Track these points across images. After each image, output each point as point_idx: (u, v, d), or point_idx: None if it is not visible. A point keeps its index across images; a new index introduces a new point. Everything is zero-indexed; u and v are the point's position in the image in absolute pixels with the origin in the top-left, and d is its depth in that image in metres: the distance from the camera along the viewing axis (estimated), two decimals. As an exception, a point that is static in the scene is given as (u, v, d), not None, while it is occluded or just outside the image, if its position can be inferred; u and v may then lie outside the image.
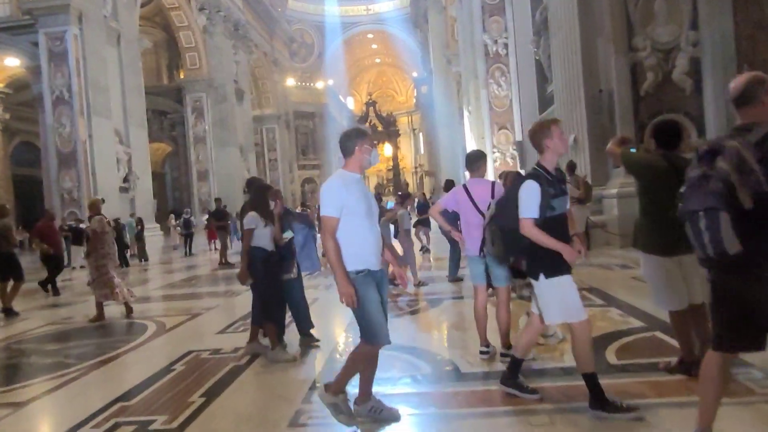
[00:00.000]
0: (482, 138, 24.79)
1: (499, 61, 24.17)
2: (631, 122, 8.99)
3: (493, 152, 24.48)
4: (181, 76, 37.25)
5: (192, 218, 19.83)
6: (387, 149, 67.05)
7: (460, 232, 4.44)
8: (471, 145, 28.18)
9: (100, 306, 7.07)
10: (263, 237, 4.85)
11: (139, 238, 16.58)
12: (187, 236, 18.63)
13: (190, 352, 5.15)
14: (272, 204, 5.02)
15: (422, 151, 66.85)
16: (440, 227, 5.10)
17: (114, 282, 7.11)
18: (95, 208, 7.79)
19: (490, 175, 24.40)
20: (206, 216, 20.43)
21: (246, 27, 40.44)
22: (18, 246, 10.16)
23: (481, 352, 4.43)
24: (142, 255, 16.04)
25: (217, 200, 13.87)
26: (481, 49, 24.26)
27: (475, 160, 4.59)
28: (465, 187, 4.42)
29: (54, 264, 10.09)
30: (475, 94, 25.13)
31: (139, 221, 17.20)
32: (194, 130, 35.56)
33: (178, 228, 26.19)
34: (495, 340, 4.45)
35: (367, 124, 57.08)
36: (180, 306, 7.63)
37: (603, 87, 9.30)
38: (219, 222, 13.12)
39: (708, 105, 8.68)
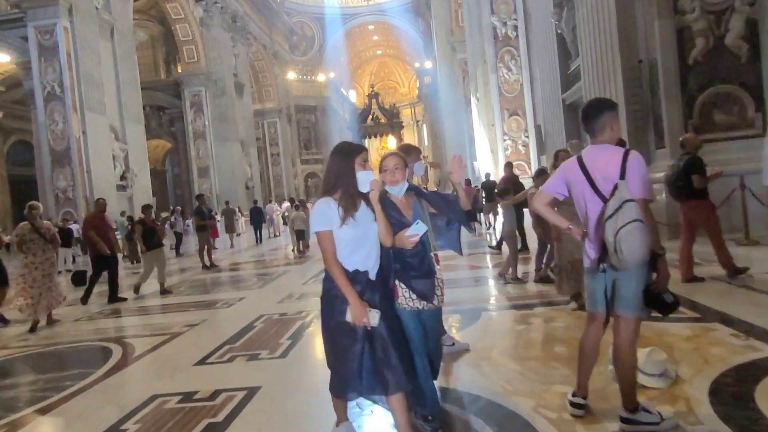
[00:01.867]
0: (492, 125, 23.79)
1: (508, 44, 23.15)
2: (677, 96, 7.90)
3: (504, 140, 23.48)
4: (179, 71, 36.27)
5: (179, 217, 18.93)
6: (391, 141, 66.07)
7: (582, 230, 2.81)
8: (480, 134, 27.18)
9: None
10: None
11: (130, 238, 15.57)
12: (177, 235, 17.75)
13: (154, 398, 3.67)
14: None
15: (426, 143, 65.83)
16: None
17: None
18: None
19: (501, 164, 23.37)
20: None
21: (244, 19, 39.41)
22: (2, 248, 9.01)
23: (574, 405, 2.87)
24: (134, 257, 15.05)
25: (199, 197, 12.82)
26: (490, 32, 23.23)
27: (596, 114, 2.76)
28: (580, 160, 2.77)
29: (111, 265, 8.19)
30: (484, 79, 24.11)
31: (130, 220, 16.14)
32: (194, 125, 34.63)
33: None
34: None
35: (370, 116, 55.99)
36: (158, 322, 6.38)
37: (643, 57, 8.26)
38: (201, 222, 12.00)
39: (767, 73, 7.62)
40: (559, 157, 4.64)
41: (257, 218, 20.11)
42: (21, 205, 29.75)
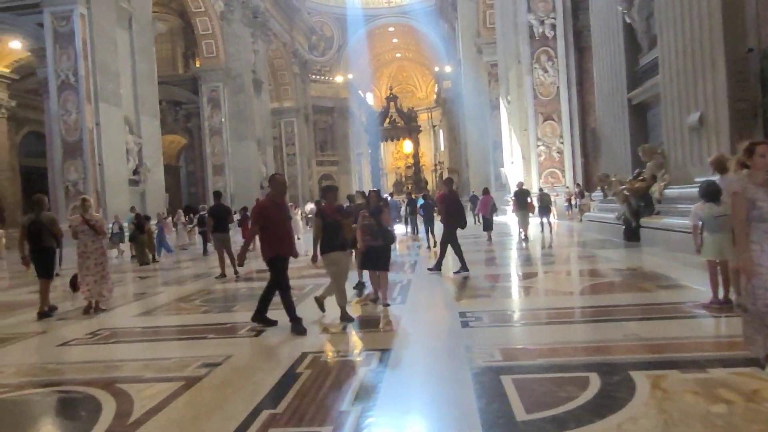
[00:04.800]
0: (525, 130, 22.51)
1: (545, 44, 21.92)
2: (798, 92, 6.61)
3: (538, 145, 22.20)
4: (197, 65, 35.32)
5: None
6: (407, 145, 64.89)
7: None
8: (508, 139, 25.92)
9: None
10: None
11: (134, 238, 14.35)
12: (203, 234, 16.48)
13: None
14: None
15: (443, 148, 64.56)
16: None
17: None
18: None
19: (534, 171, 22.08)
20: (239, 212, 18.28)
21: (265, 15, 38.46)
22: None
23: None
24: (142, 257, 13.83)
25: (217, 194, 11.41)
26: (526, 30, 22.02)
27: None
28: None
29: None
30: (517, 81, 22.85)
31: (138, 218, 14.85)
32: (210, 121, 33.60)
33: (189, 225, 24.26)
34: None
35: (387, 119, 54.90)
36: (168, 356, 4.84)
37: (754, 45, 6.96)
38: (217, 223, 10.51)
39: None
40: (756, 152, 3.33)
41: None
42: (32, 196, 28.99)
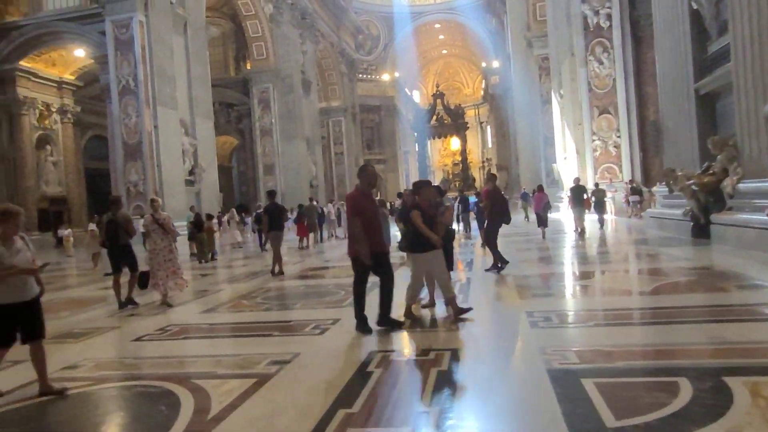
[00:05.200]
0: (579, 125, 21.87)
1: (600, 35, 21.21)
2: None
3: (593, 140, 21.51)
4: (248, 67, 36.12)
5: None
6: (454, 143, 64.28)
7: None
8: (561, 134, 25.27)
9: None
10: None
11: (193, 236, 14.77)
12: (260, 232, 16.82)
13: None
14: None
15: (490, 145, 63.65)
16: None
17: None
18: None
19: (589, 167, 21.44)
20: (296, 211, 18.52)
21: (313, 16, 38.91)
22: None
23: None
24: (202, 255, 14.22)
25: (271, 193, 11.53)
26: (580, 22, 21.38)
27: None
28: None
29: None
30: (571, 74, 22.21)
31: (197, 216, 15.28)
32: (261, 122, 34.33)
33: (243, 224, 24.77)
34: None
35: (434, 116, 54.57)
36: (237, 352, 4.90)
37: None
38: (272, 221, 10.63)
39: None
40: None
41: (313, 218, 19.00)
42: (96, 197, 30.33)
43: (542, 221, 14.53)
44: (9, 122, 27.46)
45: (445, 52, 64.14)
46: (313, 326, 5.69)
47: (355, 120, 47.75)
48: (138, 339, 5.63)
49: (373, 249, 5.33)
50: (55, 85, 29.88)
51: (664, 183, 12.71)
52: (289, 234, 18.61)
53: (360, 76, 50.13)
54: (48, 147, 29.26)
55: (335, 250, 16.07)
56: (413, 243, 5.66)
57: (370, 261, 5.30)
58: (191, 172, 25.35)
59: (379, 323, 5.39)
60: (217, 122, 30.28)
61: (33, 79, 28.22)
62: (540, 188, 16.24)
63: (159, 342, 5.55)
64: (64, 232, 23.23)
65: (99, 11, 23.83)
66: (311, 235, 17.40)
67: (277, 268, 10.25)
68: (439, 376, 3.95)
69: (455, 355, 4.40)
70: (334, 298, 7.40)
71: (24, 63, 27.37)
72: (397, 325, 5.34)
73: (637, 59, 20.79)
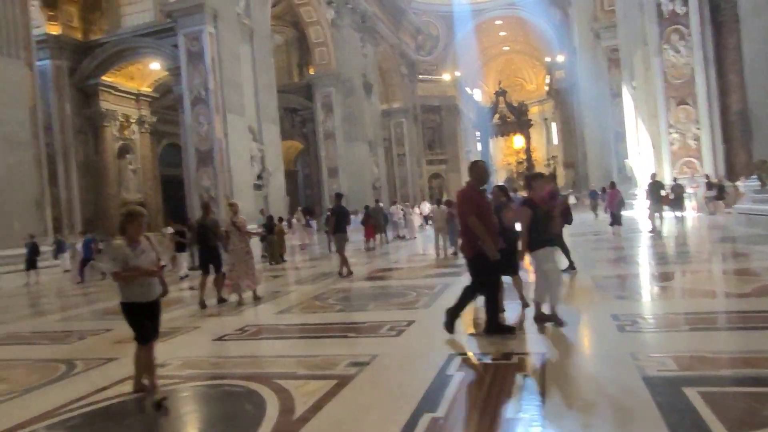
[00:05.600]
0: (654, 117, 20.77)
1: (676, 22, 20.09)
2: None
3: (670, 132, 20.38)
4: (311, 72, 36.86)
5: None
6: (517, 141, 62.90)
7: None
8: (633, 128, 24.15)
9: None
10: None
11: (264, 238, 15.21)
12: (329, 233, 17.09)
13: None
14: None
15: (556, 142, 61.79)
16: None
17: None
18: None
19: (666, 161, 20.38)
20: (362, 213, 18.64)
21: (373, 19, 39.21)
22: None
23: None
24: (273, 257, 14.58)
25: (339, 195, 11.60)
26: (653, 8, 20.33)
27: None
28: None
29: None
30: (644, 65, 21.14)
31: (269, 219, 15.76)
32: (324, 126, 34.93)
33: (308, 226, 25.22)
34: None
35: (497, 115, 53.60)
36: (316, 353, 4.89)
37: None
38: (338, 223, 10.67)
39: None
40: None
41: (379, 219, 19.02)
42: (171, 202, 31.79)
43: (616, 219, 13.88)
44: (94, 134, 29.32)
45: (506, 48, 62.91)
46: (388, 328, 5.65)
47: (416, 121, 47.68)
48: (219, 339, 5.80)
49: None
50: (134, 97, 31.65)
51: (754, 176, 11.81)
52: (355, 235, 18.77)
53: (420, 76, 49.99)
54: (128, 156, 31.02)
55: (401, 251, 16.06)
56: (532, 240, 5.22)
57: (497, 255, 4.91)
58: (259, 177, 26.13)
59: (490, 331, 5.02)
60: (282, 127, 31.04)
61: (114, 92, 29.99)
62: (612, 185, 15.52)
63: (239, 342, 5.69)
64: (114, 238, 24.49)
65: (172, 26, 25.00)
66: (377, 236, 17.46)
67: (345, 270, 10.33)
68: (525, 382, 3.80)
69: (540, 360, 4.23)
70: (406, 300, 7.35)
71: (106, 78, 29.15)
72: (508, 332, 5.02)
73: (718, 46, 19.51)
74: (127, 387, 4.22)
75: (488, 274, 5.03)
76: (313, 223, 27.16)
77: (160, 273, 4.12)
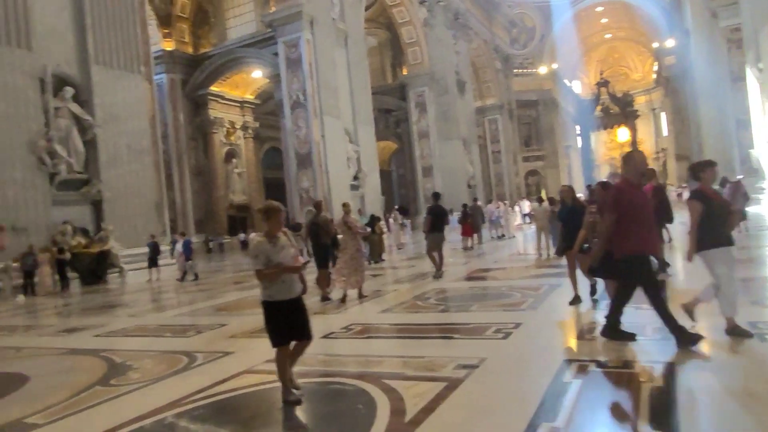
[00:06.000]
0: (786, 101, 18.60)
1: (813, -6, 17.85)
2: None
3: (806, 119, 18.14)
4: (404, 73, 37.08)
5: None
6: (621, 134, 59.30)
7: None
8: (761, 113, 21.83)
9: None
10: None
11: (366, 237, 15.43)
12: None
13: None
14: None
15: (666, 133, 57.46)
16: None
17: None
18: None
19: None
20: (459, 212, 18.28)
21: (466, 15, 38.69)
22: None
23: None
24: (374, 255, 14.75)
25: (436, 195, 11.41)
26: (784, -19, 18.22)
27: None
28: None
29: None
30: (773, 43, 19.00)
31: (372, 218, 16.01)
32: (417, 125, 35.01)
33: (404, 226, 25.32)
34: None
35: (599, 107, 50.88)
36: (422, 354, 4.75)
37: None
38: (434, 222, 10.41)
39: None
40: None
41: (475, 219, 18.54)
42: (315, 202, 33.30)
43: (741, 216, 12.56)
44: (204, 140, 31.48)
45: (608, 36, 59.50)
46: (494, 330, 5.46)
47: (511, 116, 46.44)
48: (326, 336, 5.91)
49: (643, 248, 4.55)
50: (238, 104, 33.61)
51: None
52: (452, 235, 18.53)
53: (515, 71, 48.65)
54: (234, 160, 32.99)
55: (500, 250, 15.64)
56: (703, 237, 4.59)
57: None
58: (355, 177, 26.66)
59: (602, 333, 4.71)
60: (376, 128, 31.52)
61: (221, 101, 32.03)
62: (724, 181, 14.07)
63: (346, 340, 5.76)
64: (250, 235, 25.88)
65: (272, 34, 26.22)
66: (475, 236, 17.13)
67: (437, 270, 10.21)
68: (655, 393, 3.47)
69: (669, 369, 3.86)
70: (511, 301, 7.09)
71: (214, 88, 31.22)
72: (629, 338, 4.62)
73: None
74: (244, 381, 4.40)
75: (639, 276, 4.54)
76: (407, 222, 27.29)
77: (301, 270, 3.96)
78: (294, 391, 3.87)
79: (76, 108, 16.73)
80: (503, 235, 20.00)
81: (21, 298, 13.53)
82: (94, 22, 17.38)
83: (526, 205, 25.22)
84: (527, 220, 24.99)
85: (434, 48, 35.42)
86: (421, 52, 35.66)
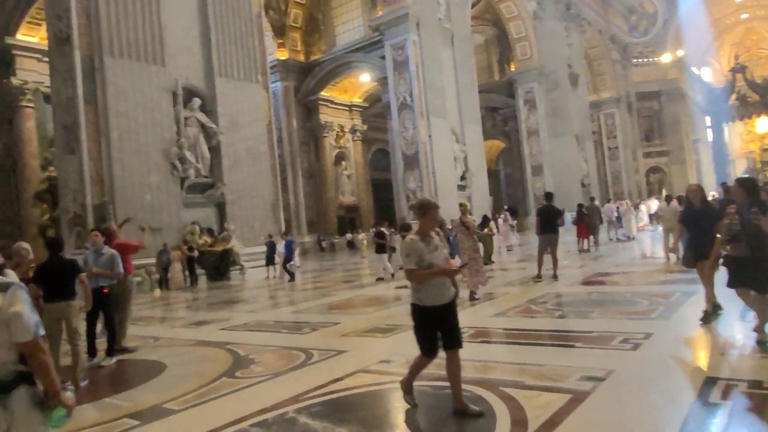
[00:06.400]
0: None
1: None
2: None
3: None
4: (512, 69, 36.03)
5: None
6: (761, 124, 53.06)
7: None
8: None
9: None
10: None
11: (481, 238, 15.09)
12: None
13: None
14: None
15: (817, 123, 50.58)
16: None
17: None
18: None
19: None
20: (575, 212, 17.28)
21: (578, 5, 36.77)
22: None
23: None
24: (484, 257, 14.41)
25: (548, 195, 10.90)
26: None
27: None
28: None
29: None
30: None
31: (484, 218, 15.63)
32: (527, 123, 33.87)
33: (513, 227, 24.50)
34: None
35: (734, 95, 45.94)
36: (541, 362, 4.46)
37: None
38: (544, 223, 9.93)
39: None
40: None
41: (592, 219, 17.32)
42: (380, 204, 33.96)
43: None
44: (315, 144, 32.80)
45: (745, 16, 53.54)
46: (620, 339, 5.04)
47: (630, 110, 43.40)
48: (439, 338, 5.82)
49: None
50: (347, 108, 34.62)
51: None
52: (566, 236, 17.59)
53: (634, 60, 45.35)
54: (343, 162, 34.02)
55: (621, 253, 14.61)
56: None
57: None
58: (462, 177, 26.35)
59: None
60: (483, 127, 30.93)
61: (330, 105, 33.18)
62: None
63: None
64: (358, 235, 26.50)
65: (379, 38, 26.66)
66: (591, 237, 16.13)
67: (552, 271, 9.71)
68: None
69: None
70: (637, 308, 6.53)
71: (324, 93, 32.42)
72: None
73: None
74: (359, 380, 4.43)
75: None
76: (514, 223, 26.41)
77: (457, 273, 3.66)
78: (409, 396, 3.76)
79: (202, 117, 18.12)
80: (628, 237, 18.60)
81: (157, 291, 14.95)
82: (217, 38, 18.73)
83: (654, 205, 23.28)
84: (652, 220, 23.11)
85: (544, 42, 34.03)
86: (530, 46, 34.44)
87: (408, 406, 3.72)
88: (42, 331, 2.08)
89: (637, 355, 4.58)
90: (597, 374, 4.04)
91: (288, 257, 15.20)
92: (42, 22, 20.29)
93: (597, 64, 41.73)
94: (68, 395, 2.09)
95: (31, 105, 22.83)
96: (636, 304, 6.78)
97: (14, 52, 22.43)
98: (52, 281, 5.23)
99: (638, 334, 5.19)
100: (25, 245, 5.12)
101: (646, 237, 19.49)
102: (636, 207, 23.10)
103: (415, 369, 3.71)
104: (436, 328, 3.56)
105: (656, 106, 47.00)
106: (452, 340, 3.61)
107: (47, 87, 18.87)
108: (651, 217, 23.58)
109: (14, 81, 22.35)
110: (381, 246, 12.92)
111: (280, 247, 15.71)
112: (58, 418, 2.05)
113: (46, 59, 17.97)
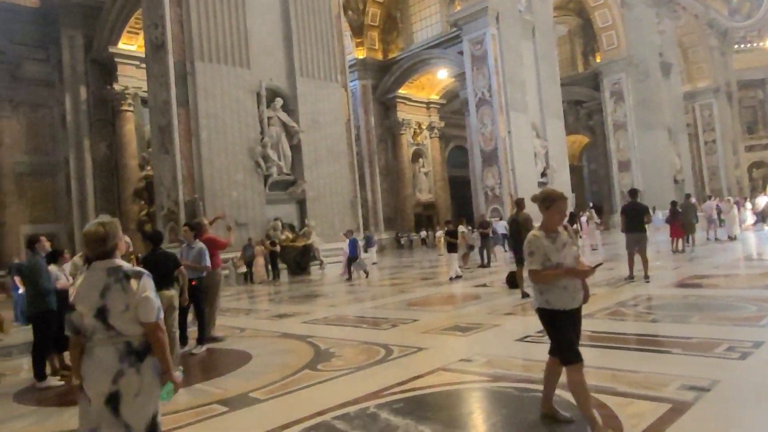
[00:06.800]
0: None
1: None
2: None
3: None
4: (597, 60, 34.38)
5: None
6: None
7: None
8: None
9: None
10: None
11: None
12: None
13: None
14: None
15: None
16: None
17: None
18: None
19: None
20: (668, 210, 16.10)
21: (672, -11, 34.46)
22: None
23: None
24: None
25: (632, 192, 10.25)
26: None
27: None
28: None
29: None
30: None
31: (570, 217, 15.06)
32: (613, 116, 32.19)
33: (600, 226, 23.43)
34: None
35: None
36: (635, 368, 4.22)
37: None
38: (629, 222, 9.35)
39: None
40: None
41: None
42: (458, 201, 33.68)
43: None
44: (392, 141, 32.97)
45: None
46: (726, 347, 4.62)
47: (730, 100, 40.15)
48: (521, 339, 5.63)
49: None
50: (424, 105, 34.50)
51: None
52: (657, 235, 16.59)
53: (736, 46, 41.91)
54: (420, 160, 33.97)
55: (721, 254, 13.51)
56: None
57: None
58: (543, 174, 25.51)
59: None
60: (566, 121, 29.79)
61: (408, 103, 33.21)
62: None
63: (542, 345, 5.40)
64: (435, 233, 26.35)
65: (457, 33, 26.35)
66: (687, 237, 15.02)
67: (643, 273, 9.13)
68: None
69: None
70: (743, 314, 5.99)
71: (401, 90, 32.49)
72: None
73: None
74: (439, 378, 4.36)
75: None
76: (599, 221, 25.18)
77: (588, 275, 3.20)
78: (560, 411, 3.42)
79: (284, 116, 18.72)
80: (731, 237, 17.17)
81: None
82: (299, 39, 19.26)
83: (763, 202, 21.38)
84: (759, 219, 21.23)
85: (633, 30, 32.17)
86: (617, 35, 32.69)
87: (540, 415, 3.44)
88: (162, 315, 2.44)
89: (746, 365, 4.18)
90: (700, 384, 3.73)
91: (353, 256, 14.68)
92: (140, 31, 21.77)
93: (692, 51, 38.93)
94: (178, 374, 2.45)
95: (131, 109, 24.58)
96: (741, 310, 6.22)
97: (116, 60, 24.20)
98: (156, 272, 5.56)
99: (746, 342, 4.74)
100: (126, 238, 5.47)
101: (752, 237, 17.94)
102: (741, 204, 21.25)
103: (552, 381, 3.40)
104: (571, 332, 3.24)
105: (761, 95, 43.23)
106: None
107: (145, 92, 20.25)
108: (758, 215, 21.64)
109: (116, 87, 24.14)
110: (452, 245, 12.71)
111: (345, 245, 15.20)
112: (168, 391, 2.40)
113: (144, 65, 19.26)
